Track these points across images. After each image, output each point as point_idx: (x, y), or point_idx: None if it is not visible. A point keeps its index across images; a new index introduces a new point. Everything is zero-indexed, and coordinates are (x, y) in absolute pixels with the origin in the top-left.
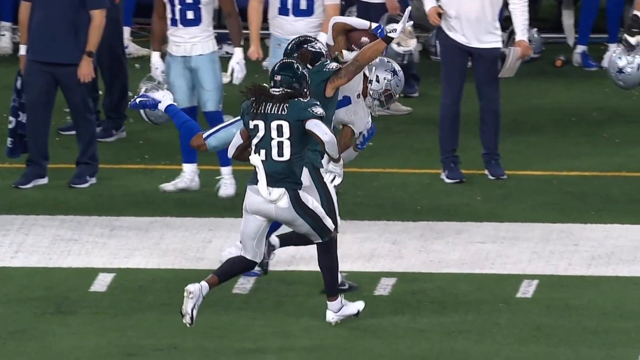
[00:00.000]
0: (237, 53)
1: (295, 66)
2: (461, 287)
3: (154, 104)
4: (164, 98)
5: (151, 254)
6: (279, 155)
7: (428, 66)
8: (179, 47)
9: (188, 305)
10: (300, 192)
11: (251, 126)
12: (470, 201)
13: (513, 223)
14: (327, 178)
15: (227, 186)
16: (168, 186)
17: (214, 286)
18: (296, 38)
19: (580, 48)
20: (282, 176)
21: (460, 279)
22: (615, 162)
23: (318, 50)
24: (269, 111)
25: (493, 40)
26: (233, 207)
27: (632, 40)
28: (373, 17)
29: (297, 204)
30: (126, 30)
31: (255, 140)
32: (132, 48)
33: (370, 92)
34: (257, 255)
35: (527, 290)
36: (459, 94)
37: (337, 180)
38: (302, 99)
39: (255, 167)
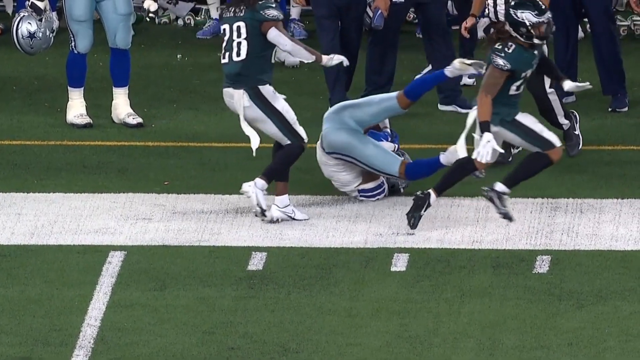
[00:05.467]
0: None
1: None
2: None
3: None
4: None
5: None
6: (237, 55)
7: None
8: None
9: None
10: (262, 88)
11: (221, 31)
12: None
13: None
14: None
15: None
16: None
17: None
18: None
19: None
20: (241, 77)
21: None
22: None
23: None
24: (230, 14)
25: None
26: None
27: (41, 4)
28: None
29: (258, 98)
30: None
31: (223, 44)
32: None
33: None
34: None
35: None
36: None
37: None
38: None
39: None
